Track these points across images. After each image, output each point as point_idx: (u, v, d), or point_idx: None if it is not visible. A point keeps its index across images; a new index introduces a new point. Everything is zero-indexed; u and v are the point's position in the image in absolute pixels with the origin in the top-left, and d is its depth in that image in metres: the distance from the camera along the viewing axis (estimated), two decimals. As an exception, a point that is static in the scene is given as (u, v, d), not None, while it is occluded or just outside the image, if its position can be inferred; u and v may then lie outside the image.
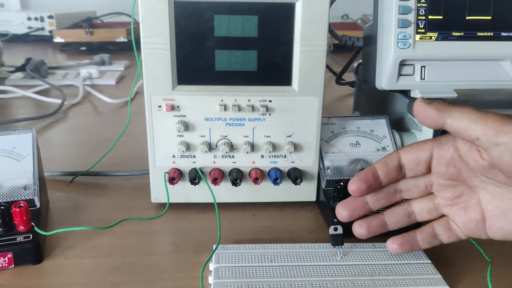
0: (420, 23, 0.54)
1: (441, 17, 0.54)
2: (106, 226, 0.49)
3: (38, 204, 0.49)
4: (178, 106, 0.52)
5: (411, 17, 0.53)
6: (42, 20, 1.82)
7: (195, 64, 0.51)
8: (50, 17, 1.81)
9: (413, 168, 0.41)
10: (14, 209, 0.46)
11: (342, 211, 0.42)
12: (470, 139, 0.36)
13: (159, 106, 0.52)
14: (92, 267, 0.46)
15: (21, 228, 0.47)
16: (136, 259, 0.47)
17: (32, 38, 1.85)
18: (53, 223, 0.53)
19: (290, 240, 0.51)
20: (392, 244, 0.43)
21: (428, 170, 0.41)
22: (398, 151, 0.41)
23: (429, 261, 0.45)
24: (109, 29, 1.71)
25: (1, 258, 0.45)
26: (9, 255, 0.45)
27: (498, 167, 0.35)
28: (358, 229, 0.43)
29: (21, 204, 0.46)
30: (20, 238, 0.46)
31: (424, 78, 0.55)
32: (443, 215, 0.43)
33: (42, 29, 1.83)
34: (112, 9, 1.96)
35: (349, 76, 0.94)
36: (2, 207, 0.46)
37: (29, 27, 1.84)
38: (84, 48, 1.67)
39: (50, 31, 1.77)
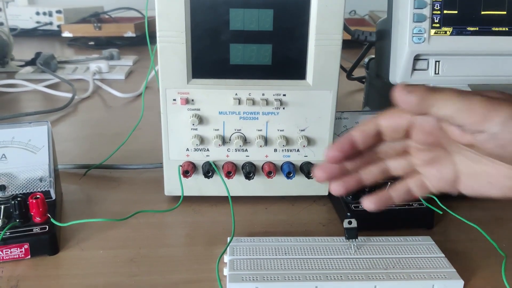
0: (435, 17, 0.53)
1: (456, 12, 0.54)
2: (121, 218, 0.49)
3: (53, 196, 0.50)
4: (192, 100, 0.52)
5: (427, 11, 0.53)
6: (50, 14, 1.83)
7: (210, 57, 0.51)
8: (59, 11, 1.82)
9: (392, 135, 0.40)
10: (30, 200, 0.46)
11: (320, 173, 0.41)
12: (455, 125, 0.35)
13: (174, 100, 0.52)
14: (108, 258, 0.46)
15: (37, 219, 0.47)
16: (151, 250, 0.47)
17: (40, 32, 1.86)
18: (67, 215, 0.54)
19: (303, 233, 0.51)
20: (367, 202, 0.43)
21: (407, 136, 0.40)
22: (377, 118, 0.40)
23: (443, 255, 0.45)
24: (117, 24, 1.71)
25: (18, 248, 0.45)
26: (26, 246, 0.45)
27: (481, 149, 0.35)
28: (335, 187, 0.41)
29: (38, 196, 0.47)
30: (36, 229, 0.46)
31: (438, 73, 0.55)
32: (416, 172, 0.42)
33: (50, 23, 1.84)
34: (120, 3, 1.96)
35: (357, 72, 0.94)
36: (19, 199, 0.46)
37: (37, 22, 1.85)
38: (92, 42, 1.68)
39: (58, 26, 1.77)
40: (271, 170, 0.54)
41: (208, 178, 0.54)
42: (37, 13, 1.84)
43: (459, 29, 0.54)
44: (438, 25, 0.54)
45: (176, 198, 0.56)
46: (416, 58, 0.55)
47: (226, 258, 0.44)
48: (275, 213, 0.55)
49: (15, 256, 0.45)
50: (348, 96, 1.05)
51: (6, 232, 0.45)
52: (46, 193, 0.49)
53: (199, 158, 0.55)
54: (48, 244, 0.46)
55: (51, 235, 0.46)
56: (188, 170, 0.54)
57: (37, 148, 0.52)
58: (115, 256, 0.46)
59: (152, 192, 0.59)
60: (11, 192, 0.49)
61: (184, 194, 0.54)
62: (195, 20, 0.50)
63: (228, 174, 0.54)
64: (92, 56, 1.35)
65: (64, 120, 0.89)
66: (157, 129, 0.82)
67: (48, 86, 1.07)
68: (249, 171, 0.54)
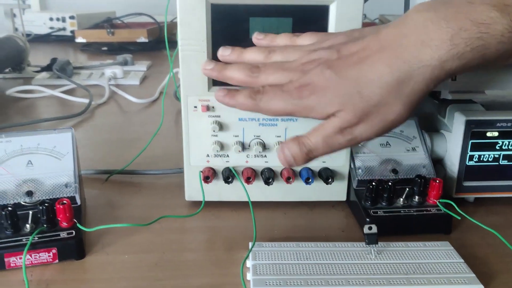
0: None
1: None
2: (146, 223, 0.51)
3: (79, 201, 0.51)
4: (213, 107, 0.54)
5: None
6: (63, 20, 1.86)
7: (230, 65, 0.52)
8: (72, 17, 1.84)
9: None
10: (58, 206, 0.47)
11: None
12: None
13: (195, 107, 0.53)
14: (133, 263, 0.47)
15: (64, 224, 0.48)
16: (174, 255, 0.48)
17: (54, 38, 1.88)
18: (91, 220, 0.55)
19: (323, 239, 0.52)
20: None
21: None
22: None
23: (462, 260, 0.46)
24: (130, 30, 1.74)
25: (46, 253, 0.46)
26: (54, 251, 0.46)
27: None
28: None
29: (65, 201, 0.48)
30: (63, 234, 0.47)
31: (455, 79, 0.56)
32: None
33: (64, 29, 1.86)
34: (131, 9, 1.98)
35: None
36: (46, 204, 0.47)
37: (51, 27, 1.87)
38: (105, 48, 1.70)
39: (72, 31, 1.80)
40: (290, 175, 0.55)
41: (228, 184, 0.55)
42: (51, 19, 1.87)
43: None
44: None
45: (195, 203, 0.57)
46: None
47: (249, 263, 0.45)
48: (294, 218, 0.56)
49: (43, 261, 0.46)
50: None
51: (34, 237, 0.46)
52: (72, 199, 0.50)
53: (219, 164, 0.56)
54: (75, 248, 0.47)
55: (78, 240, 0.47)
56: (209, 176, 0.55)
57: (62, 155, 0.53)
58: (139, 260, 0.48)
59: (172, 197, 0.60)
60: (38, 197, 0.50)
61: (206, 200, 0.55)
62: (216, 29, 0.51)
63: (248, 180, 0.55)
64: (107, 62, 1.37)
65: (82, 125, 0.91)
66: (172, 134, 0.84)
67: (64, 92, 1.09)
68: (268, 176, 0.55)
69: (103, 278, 0.45)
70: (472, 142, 0.55)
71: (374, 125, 0.40)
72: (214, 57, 0.52)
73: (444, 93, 0.58)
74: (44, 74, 1.23)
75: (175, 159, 0.70)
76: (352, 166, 0.56)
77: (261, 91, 0.44)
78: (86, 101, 1.00)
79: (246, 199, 0.54)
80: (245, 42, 0.51)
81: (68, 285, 0.44)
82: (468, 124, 0.54)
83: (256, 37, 0.50)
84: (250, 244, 0.48)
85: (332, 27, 0.51)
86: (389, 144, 0.57)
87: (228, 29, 0.51)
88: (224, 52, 0.48)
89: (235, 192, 0.57)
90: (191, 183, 0.57)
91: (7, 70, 1.22)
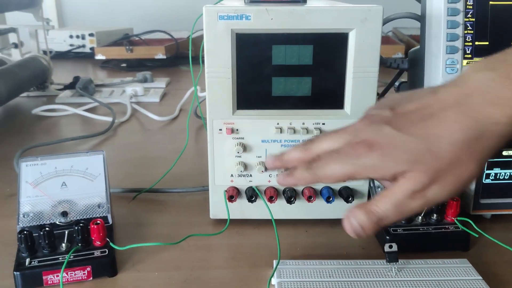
0: (467, 49, 0.56)
1: (487, 43, 0.56)
2: (175, 242, 0.53)
3: (110, 221, 0.54)
4: (237, 129, 0.56)
5: (459, 43, 0.56)
6: (83, 37, 1.90)
7: (253, 90, 0.55)
8: (91, 34, 1.89)
9: None
10: (92, 225, 0.50)
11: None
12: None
13: (220, 129, 0.56)
14: (163, 280, 0.50)
15: (97, 243, 0.51)
16: (202, 272, 0.51)
17: (72, 55, 1.93)
18: (120, 238, 0.58)
19: (344, 256, 0.53)
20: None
21: None
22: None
23: (480, 277, 0.48)
24: (148, 47, 1.77)
25: (81, 271, 0.49)
26: (88, 269, 0.49)
27: None
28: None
29: (98, 221, 0.50)
30: (97, 253, 0.50)
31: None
32: None
33: (83, 46, 1.91)
34: (148, 25, 2.03)
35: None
36: (81, 224, 0.50)
37: (71, 45, 1.92)
38: (124, 64, 1.74)
39: (91, 48, 1.85)
40: (311, 195, 0.57)
41: (252, 203, 0.58)
42: (71, 36, 1.92)
43: (490, 59, 0.57)
44: (470, 56, 0.57)
45: (219, 221, 0.60)
46: (449, 87, 0.57)
47: (274, 281, 0.47)
48: (315, 236, 0.58)
49: (78, 278, 0.49)
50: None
51: (70, 256, 0.49)
52: (104, 218, 0.53)
53: (243, 183, 0.58)
54: (108, 266, 0.50)
55: (111, 258, 0.50)
56: (233, 195, 0.57)
57: (94, 176, 0.56)
58: (169, 278, 0.50)
59: (196, 215, 0.63)
60: (72, 217, 0.53)
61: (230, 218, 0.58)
62: (240, 56, 0.53)
63: (271, 199, 0.57)
64: (127, 79, 1.41)
65: (105, 143, 0.94)
66: (193, 151, 0.87)
67: (86, 110, 1.12)
68: (290, 195, 0.57)
69: (136, 295, 0.47)
70: (488, 161, 0.57)
71: (447, 186, 0.37)
72: (238, 82, 0.54)
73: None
74: (67, 92, 1.27)
75: (197, 176, 0.73)
76: (371, 185, 0.58)
77: (316, 159, 0.41)
78: (108, 119, 1.03)
79: (268, 217, 0.56)
80: (268, 68, 0.54)
81: (103, 301, 0.46)
82: (484, 144, 0.56)
83: (269, 164, 0.46)
84: (274, 261, 0.50)
85: (351, 54, 0.53)
86: (407, 164, 0.59)
87: (252, 57, 0.54)
88: (272, 163, 0.46)
89: (257, 210, 0.59)
90: (215, 202, 0.59)
91: (31, 88, 1.26)
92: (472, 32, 0.56)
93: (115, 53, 1.73)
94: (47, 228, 0.49)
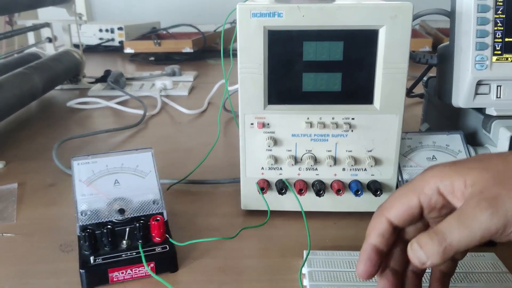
0: (496, 45, 0.57)
1: (517, 39, 0.57)
2: (231, 237, 0.56)
3: (166, 217, 0.54)
4: (268, 124, 0.58)
5: (489, 40, 0.56)
6: (112, 31, 1.94)
7: (284, 86, 0.57)
8: (120, 28, 1.93)
9: (407, 224, 0.39)
10: (152, 222, 0.51)
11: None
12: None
13: (251, 124, 0.58)
14: (199, 267, 0.52)
15: (157, 239, 0.52)
16: (236, 261, 0.53)
17: (102, 48, 1.97)
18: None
19: (372, 248, 0.55)
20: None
21: (420, 217, 0.39)
22: (385, 216, 0.39)
23: (508, 271, 0.48)
24: (176, 40, 1.80)
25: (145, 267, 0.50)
26: (152, 265, 0.50)
27: None
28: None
29: (158, 218, 0.52)
30: (158, 249, 0.51)
31: (499, 97, 0.58)
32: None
33: (112, 40, 1.95)
34: (175, 19, 2.06)
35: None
36: (142, 221, 0.51)
37: (100, 38, 1.96)
38: (152, 58, 1.77)
39: (120, 42, 1.88)
40: (340, 188, 0.59)
41: (282, 195, 0.59)
42: (100, 30, 1.96)
43: (521, 55, 0.57)
44: (499, 52, 0.57)
45: (250, 212, 0.62)
46: (479, 84, 0.58)
47: (305, 270, 0.49)
48: (343, 228, 0.60)
49: (142, 274, 0.50)
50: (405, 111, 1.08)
51: (132, 252, 0.50)
52: (160, 215, 0.54)
53: (273, 176, 0.60)
54: (170, 262, 0.51)
55: (172, 254, 0.51)
56: (264, 187, 0.59)
57: (145, 173, 0.56)
58: (206, 265, 0.52)
59: (228, 206, 0.65)
60: (128, 215, 0.53)
61: (259, 209, 0.60)
62: (272, 53, 0.55)
63: (300, 191, 0.59)
64: (156, 73, 1.44)
65: (137, 136, 0.97)
66: (223, 144, 0.89)
67: (118, 103, 1.16)
68: (320, 188, 0.59)
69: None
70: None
71: None
72: (269, 78, 0.56)
73: (489, 109, 0.60)
74: (98, 86, 1.31)
75: (227, 169, 0.75)
76: (399, 178, 0.59)
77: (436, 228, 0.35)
78: (139, 111, 1.06)
79: (297, 209, 0.58)
80: (298, 64, 0.55)
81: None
82: (513, 139, 0.56)
83: None
84: (305, 252, 0.52)
85: (381, 50, 0.54)
86: (435, 158, 0.60)
87: (283, 53, 0.55)
88: None
89: (287, 202, 0.61)
90: (247, 194, 0.61)
91: (65, 82, 1.30)
92: (502, 28, 0.56)
93: (144, 46, 1.77)
94: (109, 226, 0.50)
